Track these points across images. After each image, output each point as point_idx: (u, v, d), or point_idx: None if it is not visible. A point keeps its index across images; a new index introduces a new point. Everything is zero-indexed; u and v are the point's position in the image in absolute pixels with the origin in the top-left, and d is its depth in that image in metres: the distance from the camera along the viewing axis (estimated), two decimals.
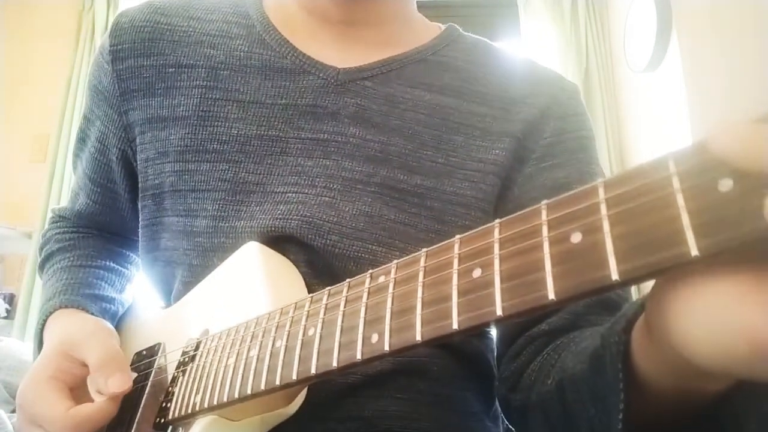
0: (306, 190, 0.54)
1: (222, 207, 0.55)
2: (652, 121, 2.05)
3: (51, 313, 0.57)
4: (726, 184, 0.21)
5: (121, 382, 0.46)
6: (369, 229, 0.53)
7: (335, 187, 0.54)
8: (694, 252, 0.21)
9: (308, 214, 0.52)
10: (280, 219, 0.52)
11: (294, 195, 0.54)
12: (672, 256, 0.21)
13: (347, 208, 0.53)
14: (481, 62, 0.62)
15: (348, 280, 0.36)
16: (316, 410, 0.47)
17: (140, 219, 0.61)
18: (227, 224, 0.54)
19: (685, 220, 0.21)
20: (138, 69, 0.60)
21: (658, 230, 0.22)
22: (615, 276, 0.23)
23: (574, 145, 0.59)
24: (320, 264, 0.52)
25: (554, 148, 0.58)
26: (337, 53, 0.60)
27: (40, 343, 0.57)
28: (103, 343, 0.49)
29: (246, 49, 0.59)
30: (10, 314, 2.38)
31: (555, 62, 2.31)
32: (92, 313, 0.57)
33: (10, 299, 2.42)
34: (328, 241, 0.52)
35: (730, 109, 1.69)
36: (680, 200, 0.21)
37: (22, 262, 2.44)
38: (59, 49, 2.54)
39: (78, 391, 0.48)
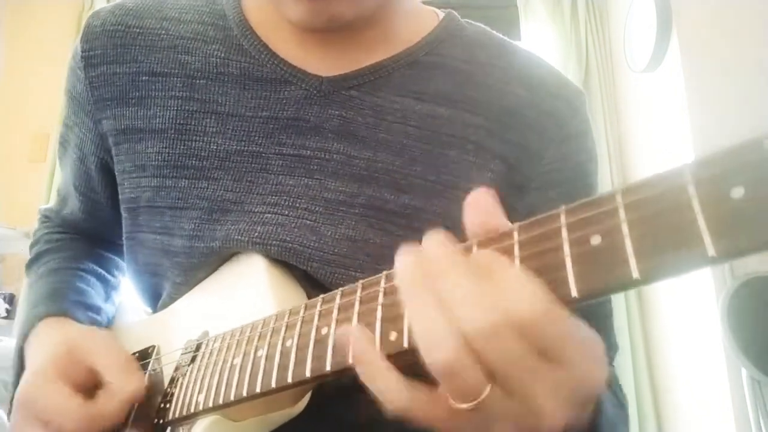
0: (286, 212, 0.51)
1: (198, 226, 0.53)
2: (652, 121, 2.05)
3: (40, 319, 0.55)
4: (738, 192, 0.22)
5: (138, 385, 0.46)
6: (352, 254, 0.50)
7: (317, 209, 0.51)
8: (711, 252, 0.22)
9: (288, 239, 0.50)
10: (259, 243, 0.50)
11: (273, 216, 0.51)
12: (691, 255, 0.23)
13: (329, 232, 0.51)
14: (479, 61, 0.58)
15: (361, 281, 0.37)
16: (309, 415, 0.46)
17: (123, 229, 0.59)
18: (203, 244, 0.53)
19: (702, 223, 0.23)
20: (111, 76, 0.57)
21: (676, 233, 0.23)
22: (636, 274, 0.24)
23: (576, 172, 0.57)
24: (304, 285, 0.51)
25: (554, 176, 0.56)
26: (321, 59, 0.55)
27: (20, 349, 0.55)
28: (113, 348, 0.49)
29: (222, 55, 0.56)
30: (10, 314, 2.38)
31: (555, 63, 2.30)
32: (80, 322, 0.56)
33: (10, 299, 2.41)
34: (309, 268, 0.50)
35: (730, 109, 1.69)
36: (696, 205, 0.23)
37: (22, 262, 2.42)
38: (59, 49, 2.54)
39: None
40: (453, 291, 0.29)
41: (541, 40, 2.37)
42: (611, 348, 0.60)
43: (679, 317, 1.86)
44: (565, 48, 2.35)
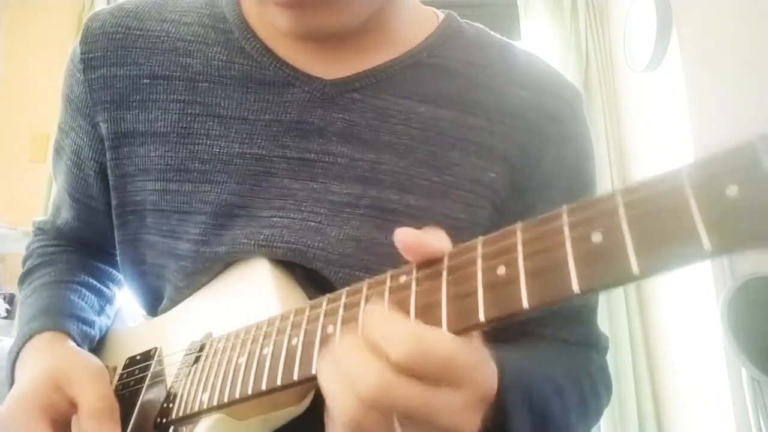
0: (292, 215, 0.52)
1: (204, 231, 0.53)
2: (652, 121, 2.05)
3: (32, 336, 0.55)
4: (732, 190, 0.23)
5: None
6: (356, 254, 0.51)
7: (322, 211, 0.52)
8: (707, 246, 0.23)
9: (292, 240, 0.50)
10: (264, 246, 0.50)
11: (279, 220, 0.52)
12: (688, 250, 0.24)
13: (334, 233, 0.51)
14: (480, 63, 0.58)
15: (366, 280, 0.37)
16: (312, 413, 0.46)
17: (121, 233, 0.59)
18: (209, 249, 0.53)
19: (698, 221, 0.24)
20: (111, 79, 0.57)
21: (674, 229, 0.24)
22: (636, 269, 0.25)
23: (574, 171, 0.58)
24: (307, 290, 0.51)
25: (553, 176, 0.56)
26: (324, 62, 0.55)
27: (13, 364, 0.55)
28: (98, 386, 0.49)
29: (224, 58, 0.56)
30: (10, 314, 2.38)
31: (555, 62, 2.31)
32: (73, 338, 0.56)
33: (10, 299, 2.41)
34: (314, 267, 0.50)
35: (730, 109, 1.69)
36: (693, 204, 0.24)
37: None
38: (59, 50, 2.53)
39: (58, 427, 0.48)
40: (348, 363, 0.33)
41: (541, 39, 2.37)
42: (600, 339, 0.61)
43: (680, 317, 1.86)
44: (565, 48, 2.35)
